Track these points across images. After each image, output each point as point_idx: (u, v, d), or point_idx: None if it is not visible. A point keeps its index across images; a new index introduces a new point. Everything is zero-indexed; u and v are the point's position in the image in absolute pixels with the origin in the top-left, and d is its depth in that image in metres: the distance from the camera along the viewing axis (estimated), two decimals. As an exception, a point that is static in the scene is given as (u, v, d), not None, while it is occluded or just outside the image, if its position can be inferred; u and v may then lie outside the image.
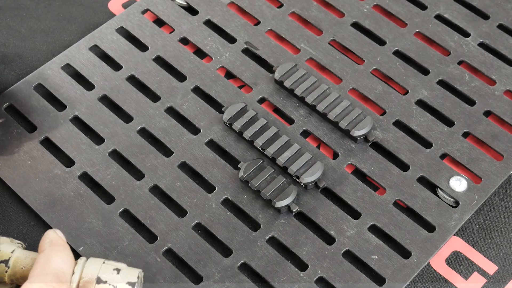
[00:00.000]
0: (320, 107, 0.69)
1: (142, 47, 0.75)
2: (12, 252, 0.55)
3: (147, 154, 0.68)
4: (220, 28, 0.77)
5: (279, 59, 0.74)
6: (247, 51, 0.75)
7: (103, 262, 0.54)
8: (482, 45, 0.75)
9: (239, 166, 0.66)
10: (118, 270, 0.53)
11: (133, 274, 0.53)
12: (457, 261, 0.64)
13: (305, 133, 0.70)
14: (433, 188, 0.66)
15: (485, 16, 0.77)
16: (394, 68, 0.73)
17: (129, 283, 0.53)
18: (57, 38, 0.77)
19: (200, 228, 0.65)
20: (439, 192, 0.66)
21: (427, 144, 0.69)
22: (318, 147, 0.69)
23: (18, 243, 0.57)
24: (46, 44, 0.77)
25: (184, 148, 0.69)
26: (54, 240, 0.53)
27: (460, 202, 0.65)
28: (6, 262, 0.55)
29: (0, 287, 0.55)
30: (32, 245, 0.63)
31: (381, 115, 0.71)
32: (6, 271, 0.55)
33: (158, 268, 0.62)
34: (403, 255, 0.63)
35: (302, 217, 0.65)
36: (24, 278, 0.54)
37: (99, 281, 0.53)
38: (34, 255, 0.55)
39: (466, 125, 0.70)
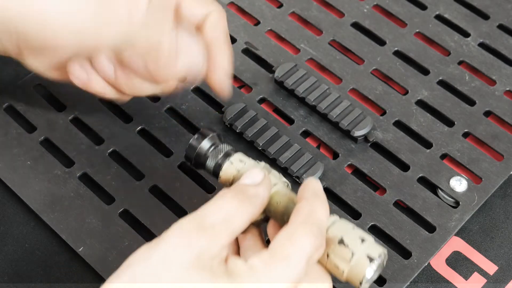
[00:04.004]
0: (320, 107, 0.69)
1: (142, 47, 0.75)
2: (274, 185, 0.54)
3: (147, 154, 0.68)
4: (220, 28, 0.77)
5: (279, 59, 0.74)
6: (247, 51, 0.75)
7: (353, 228, 0.51)
8: (482, 45, 0.75)
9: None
10: (363, 240, 0.50)
11: (377, 250, 0.50)
12: (457, 261, 0.64)
13: (305, 133, 0.70)
14: (433, 188, 0.66)
15: (485, 16, 0.77)
16: (394, 68, 0.73)
17: (369, 257, 0.50)
18: (57, 38, 0.77)
19: (200, 229, 0.65)
20: (439, 192, 0.66)
21: (427, 144, 0.69)
22: (318, 147, 0.69)
23: (284, 181, 0.55)
24: (46, 44, 0.77)
25: (184, 148, 0.68)
26: (318, 191, 0.51)
27: (460, 203, 0.65)
28: None
29: None
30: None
31: (381, 115, 0.71)
32: None
33: (158, 268, 0.62)
34: (403, 256, 0.63)
35: (302, 217, 0.65)
36: (276, 213, 0.53)
37: (341, 242, 0.50)
38: (292, 196, 0.53)
39: (466, 125, 0.70)
